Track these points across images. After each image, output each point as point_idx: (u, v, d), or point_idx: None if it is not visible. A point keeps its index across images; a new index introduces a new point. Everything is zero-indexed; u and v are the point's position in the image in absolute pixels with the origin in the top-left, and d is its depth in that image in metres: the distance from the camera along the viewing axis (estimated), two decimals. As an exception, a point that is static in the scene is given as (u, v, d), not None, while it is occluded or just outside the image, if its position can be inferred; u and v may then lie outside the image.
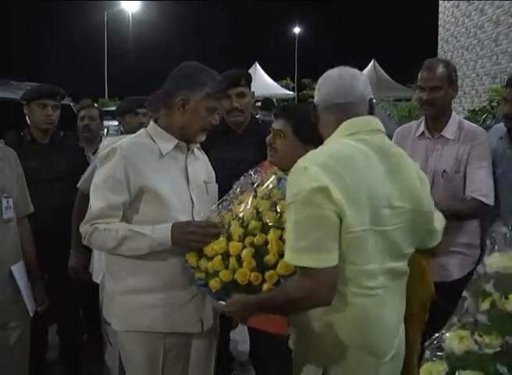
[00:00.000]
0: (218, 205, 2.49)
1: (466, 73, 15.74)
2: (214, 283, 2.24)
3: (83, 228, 2.47)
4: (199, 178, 2.62)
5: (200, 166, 2.70)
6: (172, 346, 2.54)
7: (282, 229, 2.20)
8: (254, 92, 3.63)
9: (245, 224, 2.28)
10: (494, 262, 1.59)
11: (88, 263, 3.68)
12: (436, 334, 1.60)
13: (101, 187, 2.45)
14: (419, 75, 3.33)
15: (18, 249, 2.93)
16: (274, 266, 2.18)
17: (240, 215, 2.33)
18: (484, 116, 10.67)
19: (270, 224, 2.24)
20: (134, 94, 4.47)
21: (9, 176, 2.92)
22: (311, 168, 1.93)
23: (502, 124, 3.53)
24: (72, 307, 4.06)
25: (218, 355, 2.83)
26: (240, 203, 2.39)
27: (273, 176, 2.44)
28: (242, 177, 2.51)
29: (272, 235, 2.21)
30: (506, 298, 1.52)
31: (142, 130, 2.63)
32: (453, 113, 3.38)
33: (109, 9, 42.04)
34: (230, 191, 2.50)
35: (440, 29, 17.83)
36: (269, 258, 2.18)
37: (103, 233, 2.41)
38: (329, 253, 1.90)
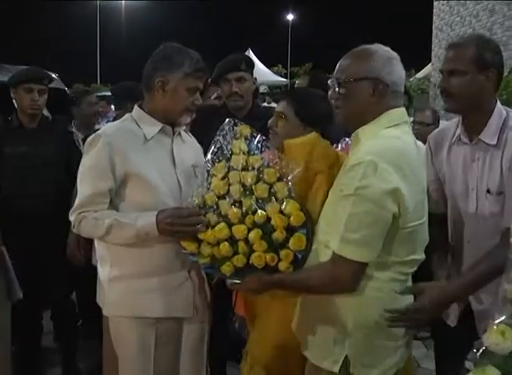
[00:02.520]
0: (199, 185, 2.38)
1: (460, 62, 15.74)
2: (227, 268, 2.20)
3: (72, 216, 2.46)
4: (186, 162, 2.59)
5: (188, 150, 2.67)
6: (164, 331, 2.53)
7: (281, 201, 2.21)
8: (256, 78, 3.60)
9: (237, 204, 2.23)
10: None
11: (88, 248, 3.66)
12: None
13: (86, 175, 2.44)
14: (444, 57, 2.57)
15: None
16: (284, 242, 2.18)
17: (225, 193, 2.27)
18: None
19: (265, 198, 2.21)
20: (127, 80, 4.40)
21: None
22: (381, 165, 1.92)
23: None
24: (65, 292, 4.03)
25: (215, 341, 2.83)
26: (213, 177, 2.31)
27: (239, 141, 2.36)
28: (209, 149, 2.40)
29: (270, 210, 2.19)
30: None
31: (127, 115, 2.61)
32: (497, 109, 2.45)
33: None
34: (201, 168, 2.41)
35: (435, 17, 17.84)
36: (277, 235, 2.17)
37: (91, 222, 2.40)
38: (372, 250, 1.98)
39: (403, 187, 1.94)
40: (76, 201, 2.45)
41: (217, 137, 2.39)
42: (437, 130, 2.87)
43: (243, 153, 2.32)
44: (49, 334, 4.20)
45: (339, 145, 2.84)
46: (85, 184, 2.43)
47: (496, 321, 1.55)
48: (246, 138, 2.36)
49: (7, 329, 2.96)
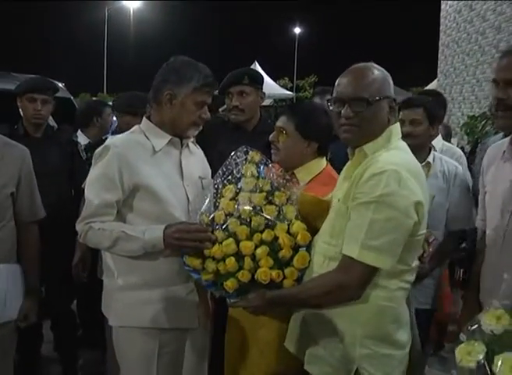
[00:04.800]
0: (206, 203, 2.43)
1: (466, 79, 15.77)
2: (231, 284, 2.21)
3: (79, 226, 2.46)
4: (194, 174, 2.61)
5: (195, 162, 2.69)
6: (167, 342, 2.53)
7: (288, 221, 2.26)
8: (264, 93, 3.59)
9: (246, 221, 2.27)
10: None
11: (91, 262, 3.70)
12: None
13: (94, 185, 2.45)
14: (496, 65, 2.31)
15: (8, 252, 2.84)
16: (290, 260, 2.22)
17: (234, 212, 2.30)
18: (483, 122, 10.66)
19: (273, 219, 2.26)
20: (132, 90, 4.42)
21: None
22: (404, 174, 1.98)
23: (498, 136, 3.29)
24: (65, 303, 4.03)
25: (218, 352, 2.82)
26: (221, 197, 2.37)
27: (250, 165, 2.41)
28: (220, 171, 2.45)
29: (279, 230, 2.24)
30: None
31: (135, 127, 2.62)
32: None
33: (110, 6, 41.98)
34: (211, 188, 2.45)
35: (441, 34, 17.86)
36: (284, 253, 2.21)
37: (98, 232, 2.40)
38: (393, 256, 2.01)
39: (422, 197, 2.02)
40: (83, 212, 2.45)
41: (228, 161, 2.44)
42: (493, 145, 2.68)
43: (254, 176, 2.37)
44: (49, 344, 4.18)
45: None
46: (93, 195, 2.43)
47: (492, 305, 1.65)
48: (256, 164, 2.41)
49: (12, 345, 2.93)
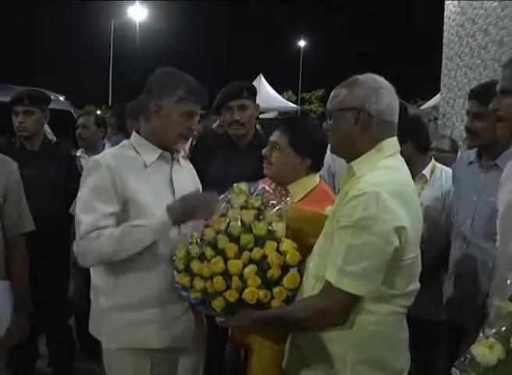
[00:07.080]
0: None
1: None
2: (218, 303, 2.18)
3: (78, 245, 2.35)
4: (185, 188, 2.53)
5: (186, 176, 2.65)
6: (160, 361, 2.48)
7: (276, 239, 2.21)
8: (258, 105, 3.59)
9: (233, 238, 2.23)
10: None
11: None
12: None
13: (89, 199, 2.34)
14: None
15: None
16: (278, 280, 2.17)
17: (222, 228, 2.27)
18: (485, 136, 10.55)
19: (262, 236, 2.22)
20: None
21: None
22: (384, 196, 1.89)
23: (468, 152, 3.27)
24: (61, 318, 4.00)
25: (212, 370, 2.79)
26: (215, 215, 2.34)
27: (241, 185, 2.40)
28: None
29: (268, 248, 2.19)
30: None
31: (125, 141, 2.58)
32: None
33: (116, 18, 42.21)
34: None
35: (444, 47, 17.89)
36: (272, 272, 2.16)
37: (97, 241, 2.28)
38: (371, 283, 1.93)
39: (406, 220, 1.92)
40: (81, 230, 2.32)
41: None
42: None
43: (244, 193, 2.35)
44: (43, 359, 4.16)
45: None
46: (88, 209, 2.33)
47: (483, 334, 1.59)
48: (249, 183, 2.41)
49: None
